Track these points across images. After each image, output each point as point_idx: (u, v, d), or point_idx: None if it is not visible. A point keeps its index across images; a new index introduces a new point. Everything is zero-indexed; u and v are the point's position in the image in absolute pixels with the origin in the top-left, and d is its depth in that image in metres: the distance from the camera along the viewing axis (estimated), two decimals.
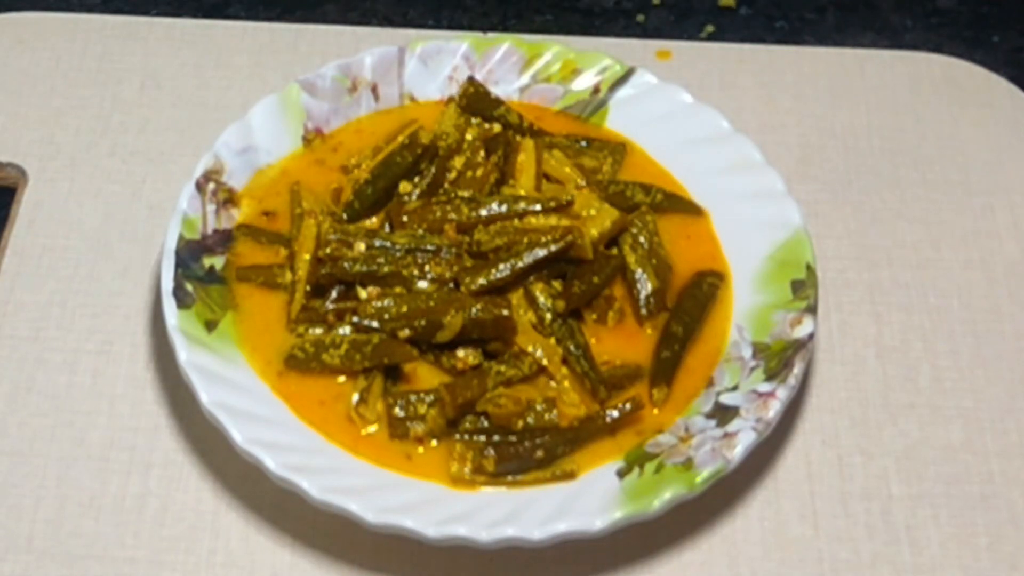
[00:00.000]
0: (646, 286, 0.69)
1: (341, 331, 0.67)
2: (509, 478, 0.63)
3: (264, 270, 0.70)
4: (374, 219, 0.71)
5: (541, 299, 0.68)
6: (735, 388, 0.66)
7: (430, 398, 0.65)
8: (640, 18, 0.89)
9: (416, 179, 0.72)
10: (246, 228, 0.71)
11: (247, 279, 0.69)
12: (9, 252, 0.74)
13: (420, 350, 0.66)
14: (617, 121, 0.77)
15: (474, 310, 0.66)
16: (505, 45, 0.79)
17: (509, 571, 0.64)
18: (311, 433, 0.65)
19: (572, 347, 0.67)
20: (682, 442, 0.64)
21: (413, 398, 0.65)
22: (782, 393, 0.65)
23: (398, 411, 0.64)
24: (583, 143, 0.75)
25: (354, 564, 0.64)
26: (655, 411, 0.66)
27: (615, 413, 0.65)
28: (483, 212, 0.69)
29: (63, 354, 0.70)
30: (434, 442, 0.65)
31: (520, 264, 0.67)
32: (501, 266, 0.67)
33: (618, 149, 0.75)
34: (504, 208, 0.69)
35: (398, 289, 0.68)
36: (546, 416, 0.65)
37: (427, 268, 0.68)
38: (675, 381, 0.67)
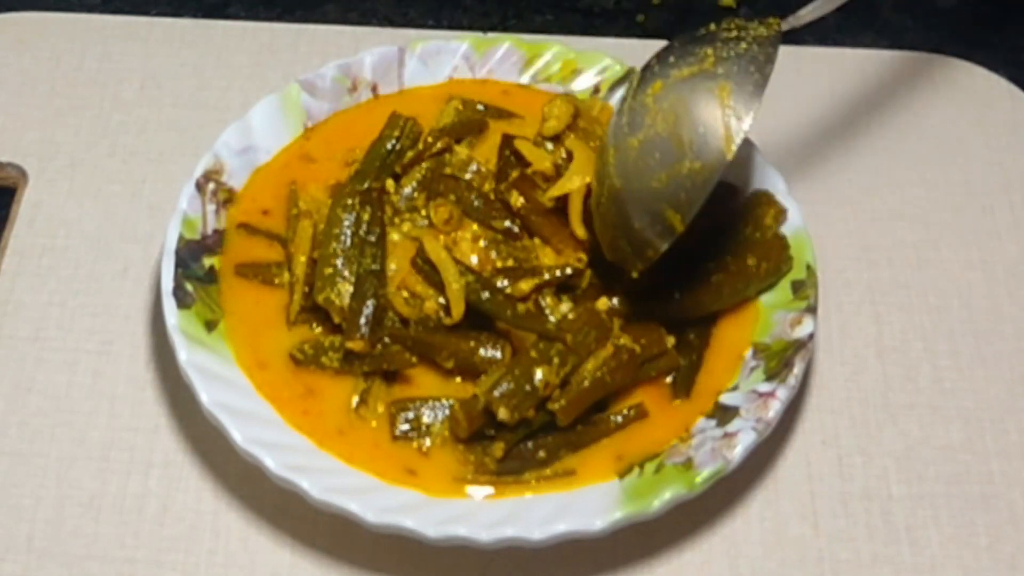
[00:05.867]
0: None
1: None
2: (510, 478, 0.63)
3: (262, 268, 0.70)
4: None
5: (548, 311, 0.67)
6: (735, 388, 0.66)
7: (439, 414, 0.64)
8: (640, 18, 0.89)
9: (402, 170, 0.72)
10: (245, 227, 0.71)
11: (245, 277, 0.69)
12: (9, 252, 0.74)
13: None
14: None
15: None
16: (505, 45, 0.79)
17: (509, 571, 0.64)
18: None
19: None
20: (682, 442, 0.64)
21: (418, 408, 0.65)
22: (782, 393, 0.65)
23: (402, 425, 0.64)
24: None
25: (354, 564, 0.64)
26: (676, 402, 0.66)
27: (619, 419, 0.65)
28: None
29: (63, 354, 0.70)
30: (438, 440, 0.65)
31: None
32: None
33: None
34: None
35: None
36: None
37: None
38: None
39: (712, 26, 0.65)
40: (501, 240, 0.68)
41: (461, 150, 0.72)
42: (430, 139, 0.72)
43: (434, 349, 0.66)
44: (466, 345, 0.65)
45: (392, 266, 0.68)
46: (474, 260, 0.68)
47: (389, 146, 0.72)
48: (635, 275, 0.65)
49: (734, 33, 0.64)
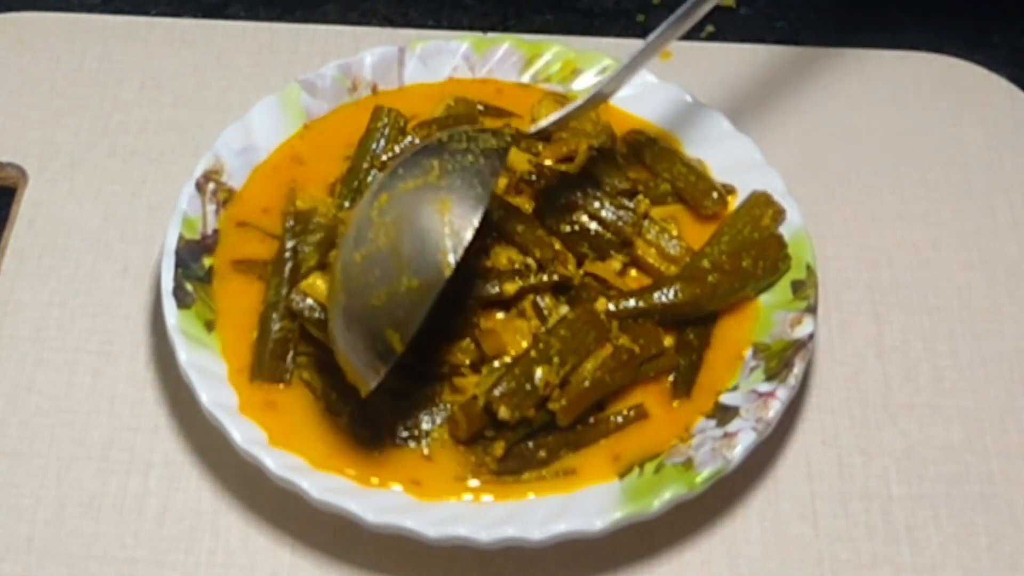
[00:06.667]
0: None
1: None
2: (510, 478, 0.63)
3: (258, 265, 0.70)
4: None
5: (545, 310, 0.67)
6: (735, 388, 0.66)
7: (438, 417, 0.64)
8: (640, 18, 0.89)
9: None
10: (242, 225, 0.71)
11: (242, 274, 0.69)
12: (9, 252, 0.74)
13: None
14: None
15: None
16: (505, 45, 0.79)
17: (509, 571, 0.64)
18: None
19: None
20: (682, 442, 0.64)
21: (416, 419, 0.65)
22: (782, 393, 0.65)
23: (402, 432, 0.64)
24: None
25: (354, 564, 0.64)
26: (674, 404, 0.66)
27: (619, 419, 0.65)
28: None
29: (63, 354, 0.70)
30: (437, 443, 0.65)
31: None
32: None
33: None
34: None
35: None
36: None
37: None
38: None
39: (445, 136, 0.64)
40: None
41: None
42: (415, 132, 0.73)
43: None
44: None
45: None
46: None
47: (376, 140, 0.72)
48: (364, 395, 0.61)
49: (464, 144, 0.63)
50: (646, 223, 0.70)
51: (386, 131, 0.73)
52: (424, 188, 0.61)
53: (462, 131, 0.64)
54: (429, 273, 0.59)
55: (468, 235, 0.59)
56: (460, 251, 0.59)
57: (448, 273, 0.59)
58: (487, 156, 0.62)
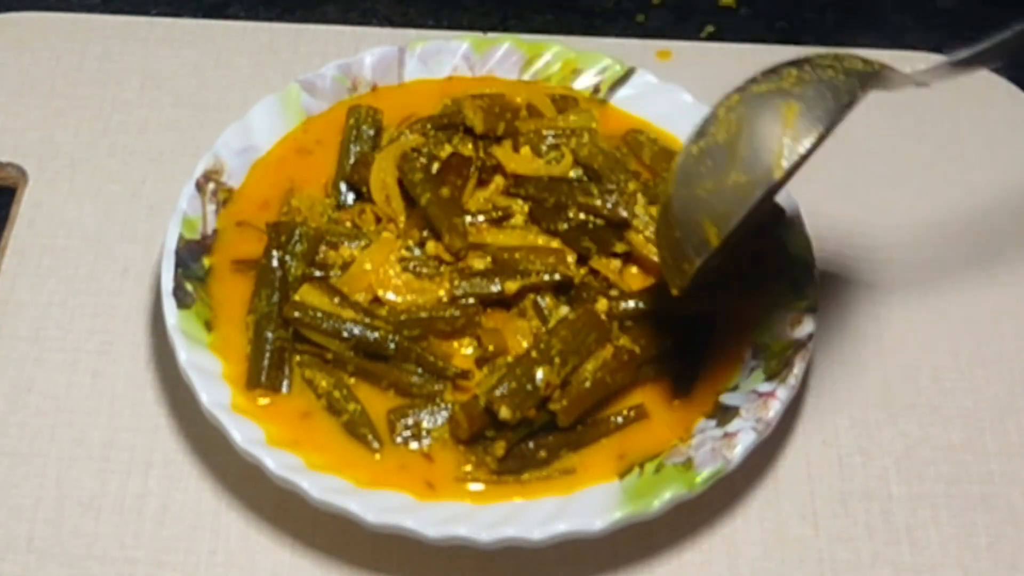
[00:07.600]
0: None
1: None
2: (510, 477, 0.63)
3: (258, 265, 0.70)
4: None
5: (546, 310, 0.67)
6: (735, 388, 0.66)
7: (439, 417, 0.64)
8: (640, 18, 0.89)
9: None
10: (242, 224, 0.71)
11: (241, 273, 0.69)
12: (9, 252, 0.74)
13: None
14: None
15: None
16: (505, 45, 0.79)
17: (509, 571, 0.64)
18: None
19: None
20: (682, 442, 0.64)
21: (417, 414, 0.65)
22: (782, 393, 0.65)
23: (403, 432, 0.64)
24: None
25: (354, 564, 0.64)
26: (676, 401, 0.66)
27: (619, 419, 0.65)
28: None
29: (63, 354, 0.70)
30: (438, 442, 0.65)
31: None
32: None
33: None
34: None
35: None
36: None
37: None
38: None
39: (812, 54, 0.62)
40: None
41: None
42: (395, 130, 0.73)
43: (375, 377, 0.66)
44: (406, 378, 0.66)
45: (367, 265, 0.68)
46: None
47: (354, 140, 0.73)
48: (675, 292, 0.62)
49: (828, 61, 0.61)
50: (647, 218, 0.70)
51: (362, 128, 0.73)
52: (775, 92, 0.60)
53: (830, 52, 0.62)
54: (758, 172, 0.58)
55: (806, 144, 0.58)
56: (794, 157, 0.58)
57: (778, 176, 0.58)
58: (848, 75, 0.60)
